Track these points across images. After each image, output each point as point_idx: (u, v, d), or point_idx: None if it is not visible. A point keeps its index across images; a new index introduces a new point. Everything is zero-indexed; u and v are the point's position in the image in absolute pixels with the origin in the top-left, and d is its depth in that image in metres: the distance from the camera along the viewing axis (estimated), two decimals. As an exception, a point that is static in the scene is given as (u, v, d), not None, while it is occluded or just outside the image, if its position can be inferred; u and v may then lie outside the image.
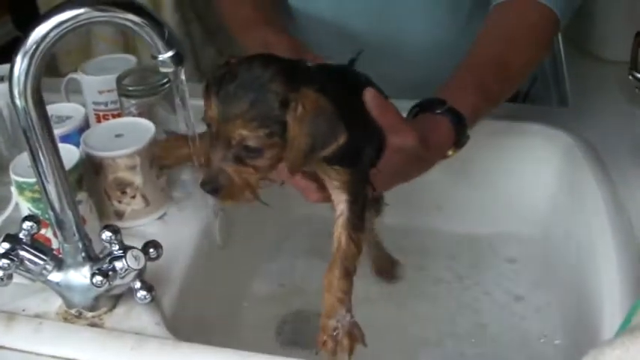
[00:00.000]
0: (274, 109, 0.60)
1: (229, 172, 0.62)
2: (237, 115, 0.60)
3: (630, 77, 1.04)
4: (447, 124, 0.78)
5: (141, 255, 0.69)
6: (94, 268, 0.70)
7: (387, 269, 0.98)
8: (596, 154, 0.95)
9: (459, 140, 0.79)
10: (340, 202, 0.69)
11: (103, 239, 0.69)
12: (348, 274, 0.67)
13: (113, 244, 0.69)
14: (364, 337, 0.69)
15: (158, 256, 0.72)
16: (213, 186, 0.63)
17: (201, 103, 0.96)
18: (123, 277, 0.69)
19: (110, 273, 0.68)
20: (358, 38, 1.07)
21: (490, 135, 0.99)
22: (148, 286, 0.70)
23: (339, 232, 0.69)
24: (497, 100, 0.87)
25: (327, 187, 0.70)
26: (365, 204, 0.70)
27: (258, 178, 0.64)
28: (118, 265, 0.68)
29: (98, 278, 0.68)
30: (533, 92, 1.24)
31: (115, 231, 0.69)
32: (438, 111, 0.79)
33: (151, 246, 0.72)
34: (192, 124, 0.70)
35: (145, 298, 0.70)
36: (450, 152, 0.80)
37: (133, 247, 0.70)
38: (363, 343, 0.68)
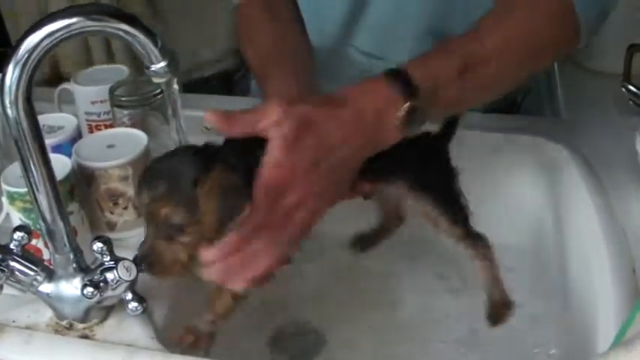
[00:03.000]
0: (188, 189, 0.66)
1: (160, 249, 0.68)
2: (159, 197, 0.67)
3: (623, 89, 1.04)
4: (379, 82, 0.70)
5: (132, 266, 0.69)
6: (85, 279, 0.70)
7: (499, 312, 0.89)
8: (590, 165, 0.95)
9: (410, 111, 0.70)
10: None
11: (94, 250, 0.69)
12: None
13: (104, 255, 0.69)
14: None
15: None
16: (147, 262, 0.68)
17: (193, 112, 0.97)
18: (114, 289, 0.69)
19: (101, 284, 0.68)
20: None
21: (483, 146, 0.99)
22: (139, 298, 0.70)
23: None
24: (466, 70, 0.74)
25: None
26: None
27: (186, 254, 0.68)
28: (110, 276, 0.68)
29: (89, 289, 0.67)
30: (526, 104, 1.24)
31: (106, 242, 0.69)
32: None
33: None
34: (183, 134, 0.70)
35: (137, 309, 0.70)
36: (398, 123, 0.70)
37: (125, 259, 0.69)
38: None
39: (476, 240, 0.86)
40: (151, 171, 0.70)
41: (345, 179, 0.72)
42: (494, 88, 0.82)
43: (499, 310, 0.87)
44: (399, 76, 0.71)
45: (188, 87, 1.25)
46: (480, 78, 0.76)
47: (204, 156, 0.69)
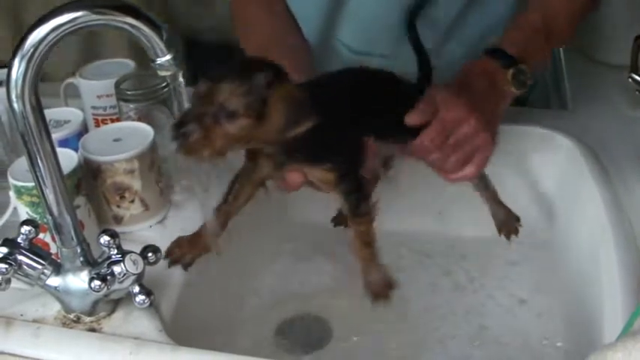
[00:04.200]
0: (260, 86, 0.67)
1: (201, 125, 0.66)
2: (225, 82, 0.67)
3: (630, 80, 1.04)
4: (487, 61, 0.87)
5: (139, 259, 0.69)
6: (93, 272, 0.70)
7: (506, 225, 0.97)
8: (597, 157, 0.94)
9: (515, 77, 0.87)
10: (338, 197, 0.79)
11: (101, 243, 0.69)
12: (368, 244, 0.81)
13: (111, 249, 0.69)
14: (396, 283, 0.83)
15: (157, 261, 0.72)
16: (183, 131, 0.66)
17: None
18: (121, 282, 0.69)
19: (108, 277, 0.68)
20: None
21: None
22: (146, 291, 0.70)
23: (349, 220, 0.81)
24: (549, 30, 0.92)
25: (324, 189, 0.78)
26: (359, 188, 0.79)
27: (223, 143, 0.68)
28: (117, 269, 0.68)
29: (96, 282, 0.67)
30: (533, 96, 1.23)
31: (113, 235, 0.69)
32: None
33: (149, 250, 0.72)
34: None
35: (144, 302, 0.70)
36: (511, 88, 0.88)
37: (132, 252, 0.69)
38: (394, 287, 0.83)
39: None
40: (234, 62, 0.72)
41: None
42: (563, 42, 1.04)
43: (509, 224, 0.96)
44: (497, 53, 0.88)
45: (188, 56, 1.26)
46: (554, 38, 0.94)
47: (281, 73, 0.71)
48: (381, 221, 1.06)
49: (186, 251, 0.81)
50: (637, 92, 1.03)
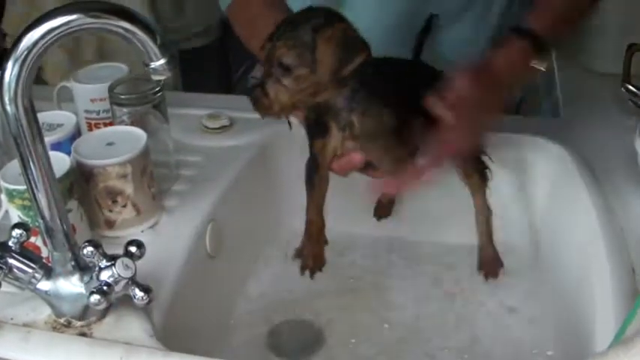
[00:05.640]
0: (307, 34, 0.72)
1: (264, 87, 0.74)
2: (280, 39, 0.74)
3: (623, 89, 1.04)
4: (513, 40, 0.88)
5: (130, 262, 0.69)
6: (84, 277, 0.70)
7: (489, 266, 1.00)
8: (589, 165, 0.95)
9: (541, 51, 0.88)
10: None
11: (85, 255, 0.68)
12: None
13: (98, 259, 0.68)
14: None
15: (141, 256, 0.71)
16: (253, 96, 0.75)
17: (193, 111, 0.96)
18: (117, 287, 0.68)
19: (105, 288, 0.67)
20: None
21: (483, 146, 0.99)
22: (144, 288, 0.69)
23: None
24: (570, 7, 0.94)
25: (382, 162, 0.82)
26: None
27: (288, 97, 0.74)
28: (107, 273, 0.68)
29: (96, 297, 0.67)
30: (526, 104, 1.24)
31: (96, 245, 0.69)
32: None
33: (133, 245, 0.71)
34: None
35: (144, 299, 0.69)
36: (536, 64, 0.89)
37: (120, 256, 0.69)
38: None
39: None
40: (284, 21, 0.76)
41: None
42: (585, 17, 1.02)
43: (492, 266, 0.99)
44: (522, 32, 0.89)
45: (179, 60, 1.26)
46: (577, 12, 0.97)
47: (332, 14, 0.76)
48: (371, 228, 1.07)
49: (311, 264, 0.88)
50: (629, 101, 1.04)
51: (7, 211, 0.81)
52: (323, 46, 0.73)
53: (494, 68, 0.85)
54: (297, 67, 0.73)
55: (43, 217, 0.69)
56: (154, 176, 0.88)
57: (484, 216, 0.97)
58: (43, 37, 0.61)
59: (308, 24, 0.73)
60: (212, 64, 1.71)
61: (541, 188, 1.02)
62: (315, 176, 0.84)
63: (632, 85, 1.03)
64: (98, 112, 1.00)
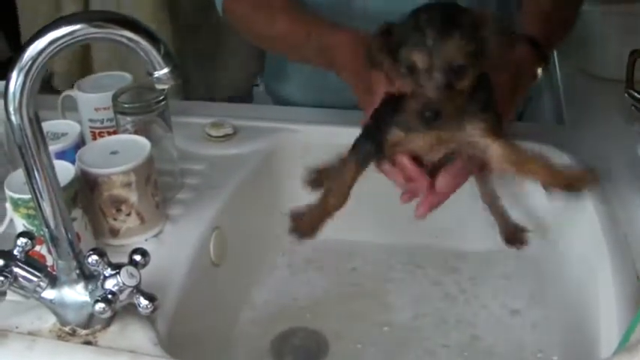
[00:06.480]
0: (472, 29, 0.70)
1: (443, 97, 0.70)
2: (448, 39, 0.69)
3: (626, 95, 1.04)
4: (524, 48, 0.90)
5: (135, 270, 0.69)
6: (89, 286, 0.70)
7: (515, 236, 0.98)
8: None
9: (543, 58, 0.92)
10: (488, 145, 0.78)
11: (90, 264, 0.68)
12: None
13: (103, 268, 0.69)
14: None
15: (146, 264, 0.71)
16: (433, 111, 0.70)
17: (196, 119, 0.95)
18: (122, 297, 0.69)
19: (110, 296, 0.68)
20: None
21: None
22: (149, 296, 0.69)
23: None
24: (561, 20, 1.00)
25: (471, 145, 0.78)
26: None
27: (462, 98, 0.72)
28: (112, 281, 0.68)
29: (101, 305, 0.67)
30: (529, 110, 1.24)
31: (101, 254, 0.69)
32: None
33: (138, 253, 0.71)
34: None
35: (148, 307, 0.69)
36: (540, 71, 0.92)
37: (125, 264, 0.69)
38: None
39: None
40: (424, 24, 0.71)
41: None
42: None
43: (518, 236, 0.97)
44: (529, 42, 0.91)
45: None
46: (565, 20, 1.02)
47: (461, 7, 0.73)
48: (372, 233, 1.06)
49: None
50: (632, 107, 1.04)
51: (11, 220, 0.81)
52: (491, 41, 0.71)
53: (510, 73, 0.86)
54: (471, 67, 0.71)
55: (47, 226, 0.69)
56: (158, 185, 0.88)
57: (495, 204, 0.96)
58: (47, 47, 0.61)
59: (466, 17, 0.71)
60: None
61: (544, 194, 1.02)
62: (371, 163, 0.81)
63: (636, 91, 1.03)
64: (102, 121, 1.00)
